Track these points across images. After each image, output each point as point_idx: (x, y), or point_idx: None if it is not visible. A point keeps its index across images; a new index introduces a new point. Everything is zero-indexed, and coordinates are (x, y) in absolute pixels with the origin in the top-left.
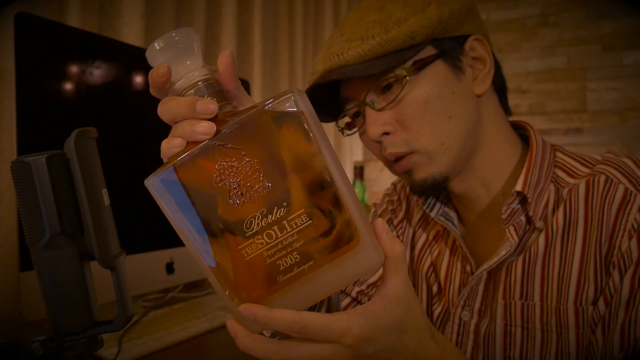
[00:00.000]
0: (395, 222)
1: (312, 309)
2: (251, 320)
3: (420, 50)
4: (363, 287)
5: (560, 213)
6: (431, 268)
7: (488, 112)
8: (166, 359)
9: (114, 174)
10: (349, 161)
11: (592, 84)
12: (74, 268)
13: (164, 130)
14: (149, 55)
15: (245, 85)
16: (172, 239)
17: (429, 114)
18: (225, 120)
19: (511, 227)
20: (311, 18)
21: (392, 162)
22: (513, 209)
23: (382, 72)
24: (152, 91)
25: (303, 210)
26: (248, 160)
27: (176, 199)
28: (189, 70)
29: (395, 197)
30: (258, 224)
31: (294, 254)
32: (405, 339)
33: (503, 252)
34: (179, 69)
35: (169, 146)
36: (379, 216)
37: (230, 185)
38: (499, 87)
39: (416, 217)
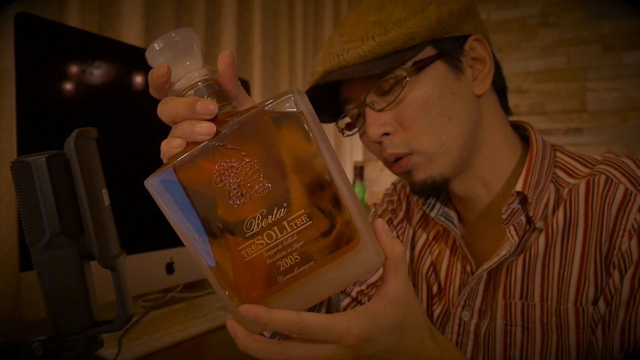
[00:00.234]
0: (395, 222)
1: (312, 309)
2: (251, 320)
3: (420, 50)
4: (363, 287)
5: (560, 213)
6: (431, 268)
7: (488, 112)
8: (166, 359)
9: (114, 174)
10: (349, 161)
11: (592, 84)
12: (74, 268)
13: (164, 130)
14: (148, 55)
15: (245, 85)
16: (172, 239)
17: (429, 114)
18: (225, 120)
19: (511, 227)
20: (311, 18)
21: (392, 163)
22: (513, 209)
23: (382, 72)
24: (152, 91)
25: (303, 210)
26: (248, 161)
27: (176, 199)
28: (188, 71)
29: (395, 197)
30: (258, 224)
31: (294, 254)
32: (405, 340)
33: (503, 252)
34: (178, 69)
35: (169, 147)
36: (379, 216)
37: (230, 185)
38: (499, 87)
39: (416, 217)
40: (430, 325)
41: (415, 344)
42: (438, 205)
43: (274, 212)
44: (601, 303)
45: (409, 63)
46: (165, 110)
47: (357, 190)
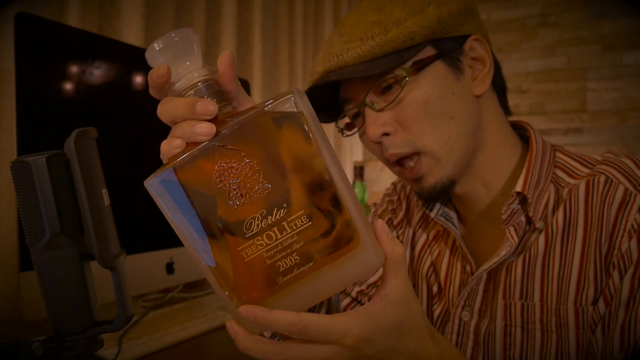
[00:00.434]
0: (395, 222)
1: (312, 310)
2: (251, 321)
3: (419, 50)
4: (363, 287)
5: (560, 213)
6: (431, 268)
7: (488, 112)
8: (166, 359)
9: (114, 174)
10: (349, 161)
11: (592, 84)
12: (74, 268)
13: (164, 130)
14: (148, 55)
15: (245, 85)
16: (172, 239)
17: (429, 114)
18: (225, 121)
19: (511, 228)
20: (311, 18)
21: (394, 163)
22: (513, 209)
23: (381, 72)
24: (152, 92)
25: (303, 211)
26: (248, 162)
27: (176, 199)
28: (188, 71)
29: (395, 197)
30: (258, 225)
31: (293, 255)
32: (405, 340)
33: (503, 253)
34: (178, 69)
35: (169, 147)
36: (379, 216)
37: (230, 186)
38: (499, 87)
39: (416, 217)
40: (430, 326)
41: (415, 344)
42: (438, 205)
43: (274, 213)
44: (601, 303)
45: (409, 63)
46: (165, 110)
47: (357, 190)
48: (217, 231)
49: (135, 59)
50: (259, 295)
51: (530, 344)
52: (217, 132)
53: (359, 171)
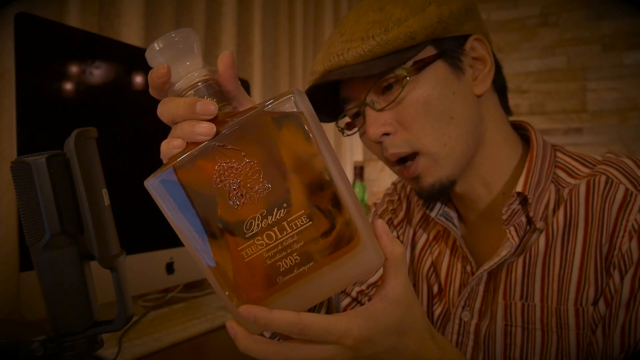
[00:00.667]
0: (395, 222)
1: (312, 310)
2: (251, 321)
3: (420, 50)
4: (363, 287)
5: (560, 213)
6: (432, 268)
7: (488, 112)
8: (166, 359)
9: (114, 174)
10: (349, 161)
11: (592, 84)
12: (74, 268)
13: (164, 130)
14: (148, 55)
15: (245, 85)
16: (172, 239)
17: (429, 114)
18: (225, 121)
19: (512, 228)
20: (311, 18)
21: (394, 163)
22: (514, 209)
23: (382, 72)
24: (152, 92)
25: (303, 211)
26: (248, 161)
27: (176, 199)
28: (188, 71)
29: (396, 197)
30: (258, 225)
31: (294, 255)
32: (405, 341)
33: (503, 253)
34: (178, 69)
35: (169, 147)
36: (379, 216)
37: (230, 186)
38: (500, 87)
39: (416, 217)
40: (430, 326)
41: (415, 345)
42: (438, 205)
43: (274, 213)
44: (601, 304)
45: (409, 63)
46: (165, 110)
47: (357, 190)
48: (217, 231)
49: (135, 59)
50: (259, 295)
51: (530, 344)
52: (217, 132)
53: (359, 171)
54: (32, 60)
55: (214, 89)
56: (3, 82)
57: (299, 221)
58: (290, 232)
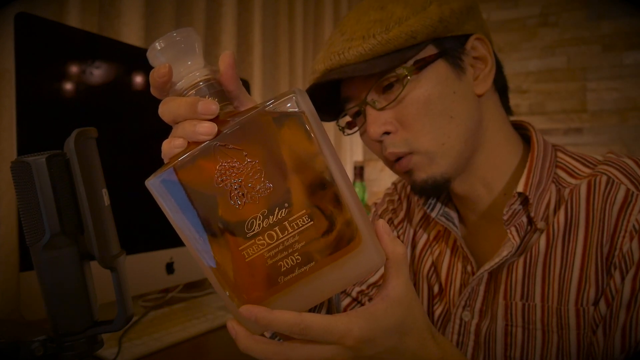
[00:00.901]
0: (395, 222)
1: (312, 310)
2: (252, 321)
3: (421, 49)
4: (364, 287)
5: (561, 214)
6: (432, 268)
7: (489, 111)
8: (166, 359)
9: (114, 174)
10: (349, 161)
11: (592, 84)
12: (74, 268)
13: (165, 130)
14: (150, 55)
15: (246, 85)
16: (172, 239)
17: (430, 113)
18: (226, 120)
19: (512, 228)
20: (311, 18)
21: (393, 162)
22: (514, 209)
23: (383, 71)
24: (153, 91)
25: (304, 211)
26: (249, 161)
27: (177, 199)
28: (190, 71)
29: (396, 197)
30: (259, 224)
31: (295, 255)
32: (406, 341)
33: (504, 253)
34: (180, 69)
35: (170, 146)
36: (380, 216)
37: (231, 186)
38: (500, 86)
39: (417, 217)
40: (431, 326)
41: (416, 345)
42: (439, 205)
43: (275, 212)
44: (602, 304)
45: (410, 62)
46: (167, 110)
47: (357, 190)
48: (218, 231)
49: (135, 59)
50: (260, 295)
51: (531, 345)
52: (219, 132)
53: (359, 171)
54: (32, 60)
55: (216, 89)
56: (3, 82)
57: (300, 221)
58: (292, 232)
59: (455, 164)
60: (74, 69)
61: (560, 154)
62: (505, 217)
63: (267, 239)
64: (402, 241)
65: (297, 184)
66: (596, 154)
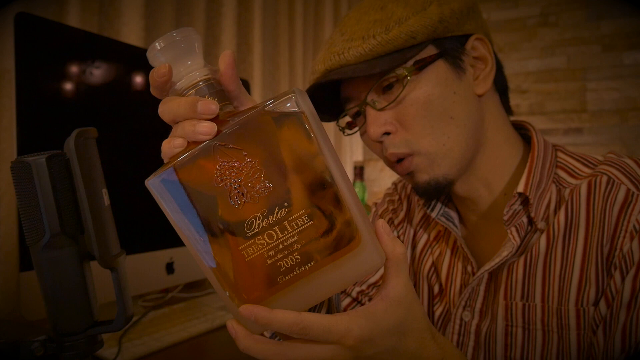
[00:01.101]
0: (396, 222)
1: (312, 309)
2: (252, 321)
3: (421, 49)
4: (363, 287)
5: (561, 214)
6: (432, 268)
7: (489, 112)
8: (166, 359)
9: (114, 174)
10: (349, 161)
11: (592, 84)
12: (74, 268)
13: (165, 130)
14: (149, 55)
15: (246, 85)
16: (172, 239)
17: (430, 114)
18: (226, 120)
19: (513, 228)
20: (311, 18)
21: (394, 163)
22: (515, 210)
23: (383, 71)
24: (153, 91)
25: (304, 210)
26: (249, 161)
27: (176, 199)
28: (189, 70)
29: (396, 197)
30: (259, 224)
31: (295, 254)
32: (406, 341)
33: (505, 253)
34: (179, 68)
35: (170, 146)
36: (380, 216)
37: (231, 185)
38: (501, 86)
39: (417, 217)
40: (431, 326)
41: (416, 345)
42: (439, 205)
43: (275, 212)
44: (602, 304)
45: (410, 62)
46: (167, 109)
47: (357, 190)
48: (217, 231)
49: (135, 59)
50: (259, 294)
51: (531, 345)
52: (219, 132)
53: (359, 171)
54: (32, 60)
55: (215, 89)
56: (3, 82)
57: (299, 220)
58: (291, 232)
59: (457, 165)
60: (74, 69)
61: (560, 154)
62: (505, 218)
63: (266, 238)
64: (402, 241)
65: (296, 183)
66: (596, 154)
